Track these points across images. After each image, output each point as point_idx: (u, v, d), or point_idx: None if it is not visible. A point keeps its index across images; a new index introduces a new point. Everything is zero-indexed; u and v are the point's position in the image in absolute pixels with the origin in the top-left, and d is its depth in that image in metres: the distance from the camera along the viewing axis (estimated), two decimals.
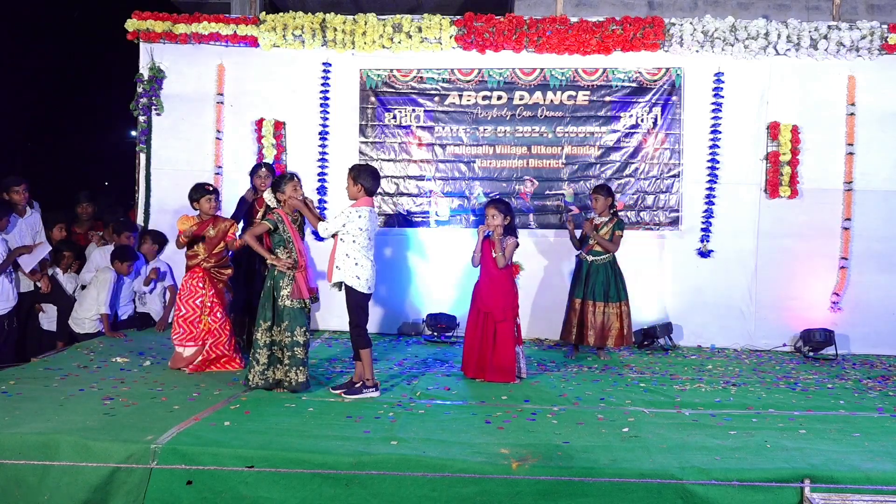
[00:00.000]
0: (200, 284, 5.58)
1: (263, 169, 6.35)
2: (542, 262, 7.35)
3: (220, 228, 5.65)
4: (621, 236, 6.40)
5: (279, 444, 3.86)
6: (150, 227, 7.45)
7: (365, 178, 5.00)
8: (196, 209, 5.70)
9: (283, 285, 4.94)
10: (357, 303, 4.99)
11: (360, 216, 4.92)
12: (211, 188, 5.78)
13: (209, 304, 5.57)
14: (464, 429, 4.26)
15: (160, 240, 7.14)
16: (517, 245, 5.58)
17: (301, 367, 4.94)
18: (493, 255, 5.49)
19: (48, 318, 6.97)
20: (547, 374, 5.85)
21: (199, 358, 5.55)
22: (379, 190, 7.46)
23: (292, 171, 5.35)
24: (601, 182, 7.19)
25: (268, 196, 5.20)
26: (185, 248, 5.70)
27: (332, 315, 7.24)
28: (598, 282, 6.38)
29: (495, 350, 5.43)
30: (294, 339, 4.91)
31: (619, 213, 6.73)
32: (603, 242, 6.35)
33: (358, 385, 4.97)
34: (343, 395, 4.91)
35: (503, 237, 5.53)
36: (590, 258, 6.43)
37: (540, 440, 4.07)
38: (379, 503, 3.60)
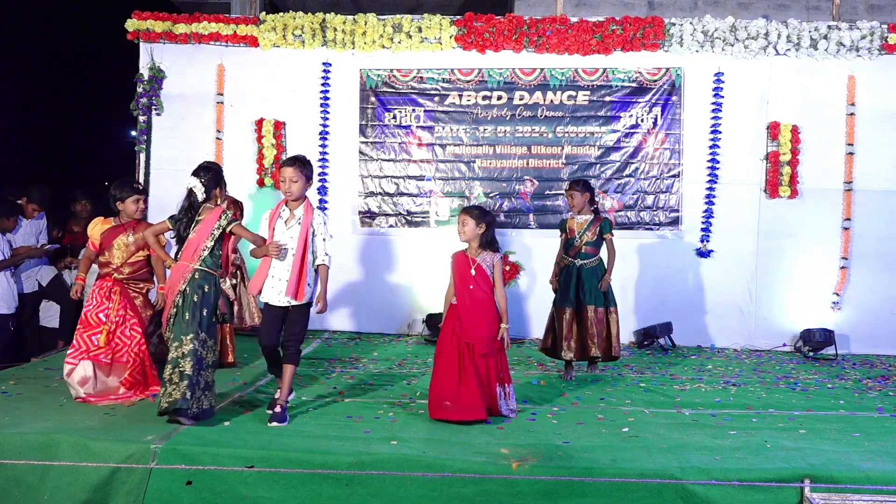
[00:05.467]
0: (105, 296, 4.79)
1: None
2: (542, 263, 7.33)
3: (139, 236, 4.82)
4: (612, 238, 5.70)
5: (279, 444, 3.86)
6: None
7: (311, 171, 4.47)
8: (119, 209, 4.91)
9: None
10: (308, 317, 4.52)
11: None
12: (140, 187, 5.07)
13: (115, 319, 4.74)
14: (464, 429, 4.25)
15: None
16: (503, 260, 4.87)
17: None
18: (472, 273, 4.52)
19: (50, 315, 6.97)
20: (547, 374, 5.84)
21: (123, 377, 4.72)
22: (379, 190, 7.54)
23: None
24: (579, 179, 6.22)
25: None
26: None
27: (334, 315, 7.23)
28: (593, 286, 5.63)
29: (469, 385, 4.40)
30: None
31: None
32: (611, 256, 5.69)
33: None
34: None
35: (480, 252, 4.56)
36: (579, 262, 5.64)
37: (540, 440, 4.07)
38: (379, 503, 3.60)
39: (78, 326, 4.76)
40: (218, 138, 7.52)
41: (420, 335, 7.26)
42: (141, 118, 7.52)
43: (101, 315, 4.73)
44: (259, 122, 7.43)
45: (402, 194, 7.55)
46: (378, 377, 5.53)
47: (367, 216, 7.50)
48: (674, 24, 7.20)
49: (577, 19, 7.27)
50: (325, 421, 4.34)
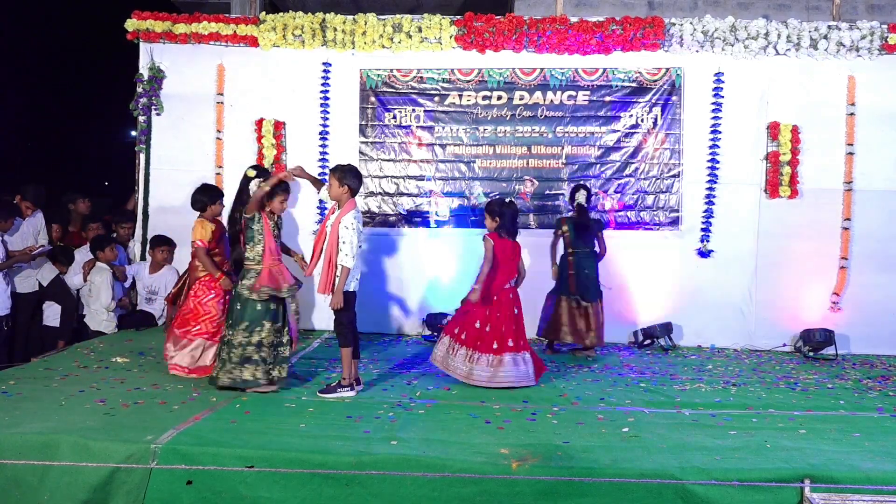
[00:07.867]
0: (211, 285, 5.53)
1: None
2: (542, 262, 7.33)
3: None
4: (603, 236, 6.62)
5: (279, 444, 3.86)
6: (150, 226, 7.46)
7: (351, 179, 4.94)
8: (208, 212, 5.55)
9: None
10: (348, 303, 5.03)
11: (356, 219, 4.90)
12: (220, 191, 5.73)
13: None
14: (464, 429, 4.26)
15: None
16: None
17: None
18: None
19: (52, 314, 6.97)
20: (547, 373, 5.83)
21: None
22: (379, 190, 7.54)
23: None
24: (583, 184, 6.92)
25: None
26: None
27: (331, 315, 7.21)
28: (590, 281, 6.45)
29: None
30: None
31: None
32: (601, 252, 6.59)
33: (333, 384, 4.99)
34: (318, 392, 4.95)
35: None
36: (576, 259, 6.53)
37: (540, 440, 4.07)
38: (379, 503, 3.60)
39: (185, 310, 5.46)
40: (218, 138, 7.52)
41: (420, 335, 7.26)
42: (141, 118, 7.52)
43: (207, 303, 5.46)
44: (259, 122, 7.43)
45: (402, 194, 7.55)
46: (378, 377, 5.53)
47: (367, 216, 7.50)
48: (674, 24, 7.21)
49: (577, 19, 7.27)
50: (325, 421, 4.34)
